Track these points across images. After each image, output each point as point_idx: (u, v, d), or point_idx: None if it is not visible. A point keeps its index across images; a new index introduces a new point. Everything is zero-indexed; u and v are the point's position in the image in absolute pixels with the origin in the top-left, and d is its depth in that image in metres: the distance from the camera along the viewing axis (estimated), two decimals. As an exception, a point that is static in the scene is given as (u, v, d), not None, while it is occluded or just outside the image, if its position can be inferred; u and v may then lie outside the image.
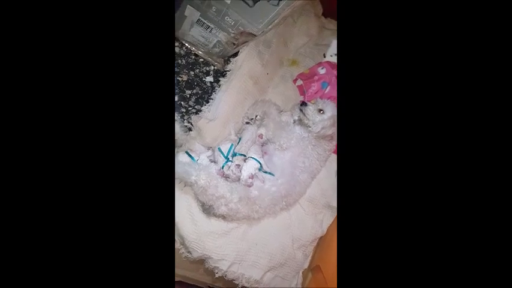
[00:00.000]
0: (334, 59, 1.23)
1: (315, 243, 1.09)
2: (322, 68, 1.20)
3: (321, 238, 1.10)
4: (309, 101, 1.10)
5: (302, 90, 1.20)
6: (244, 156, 1.00)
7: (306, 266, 1.08)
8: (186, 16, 0.91)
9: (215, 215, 0.93)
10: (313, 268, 1.09)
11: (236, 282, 0.95)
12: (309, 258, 1.09)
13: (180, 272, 0.97)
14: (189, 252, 0.90)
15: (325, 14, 1.28)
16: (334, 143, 1.11)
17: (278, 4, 0.76)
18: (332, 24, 1.28)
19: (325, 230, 1.08)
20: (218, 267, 0.92)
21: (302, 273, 1.07)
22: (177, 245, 0.92)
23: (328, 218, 1.09)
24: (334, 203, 1.08)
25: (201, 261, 0.92)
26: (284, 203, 1.00)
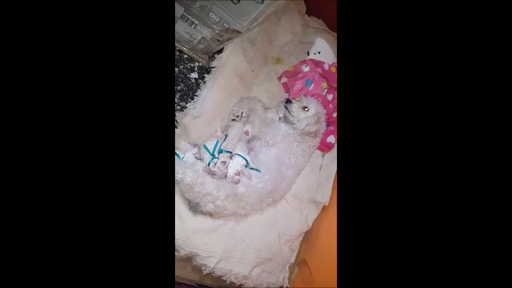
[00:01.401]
0: (318, 57, 1.25)
1: (300, 238, 1.11)
2: (306, 66, 1.22)
3: (306, 232, 1.12)
4: (294, 99, 1.12)
5: (287, 88, 1.21)
6: (230, 153, 1.00)
7: (292, 260, 1.10)
8: (169, 12, 0.90)
9: (202, 213, 0.92)
10: (299, 262, 1.12)
11: (224, 278, 0.95)
12: (295, 252, 1.11)
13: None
14: (176, 250, 0.89)
15: (309, 12, 1.30)
16: (318, 139, 1.13)
17: (262, 2, 0.77)
18: (315, 23, 1.30)
19: (311, 225, 1.11)
20: (206, 264, 0.91)
21: (288, 267, 1.09)
22: (163, 244, 0.91)
23: (313, 212, 1.12)
24: (319, 198, 1.10)
25: (189, 259, 0.92)
26: (270, 199, 1.02)
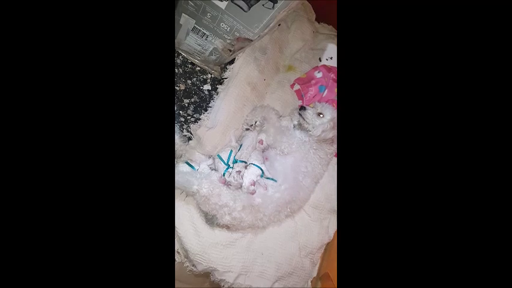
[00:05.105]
0: (330, 63, 1.24)
1: (322, 250, 1.06)
2: (318, 72, 1.20)
3: (328, 244, 1.07)
4: (308, 105, 1.09)
5: (300, 95, 1.19)
6: (245, 162, 0.98)
7: (314, 274, 1.04)
8: (181, 24, 0.91)
9: (219, 225, 0.90)
10: (322, 276, 1.06)
11: (244, 294, 0.91)
12: (317, 265, 1.06)
13: (185, 286, 0.93)
14: (193, 265, 0.86)
15: (318, 19, 1.30)
16: (335, 146, 1.10)
17: (273, 7, 0.76)
18: (325, 29, 1.30)
19: (332, 236, 1.06)
20: (224, 279, 0.88)
21: (311, 281, 1.03)
22: (181, 259, 0.89)
23: (334, 223, 1.07)
24: (340, 207, 1.06)
25: (207, 275, 0.89)
26: (288, 209, 0.98)
